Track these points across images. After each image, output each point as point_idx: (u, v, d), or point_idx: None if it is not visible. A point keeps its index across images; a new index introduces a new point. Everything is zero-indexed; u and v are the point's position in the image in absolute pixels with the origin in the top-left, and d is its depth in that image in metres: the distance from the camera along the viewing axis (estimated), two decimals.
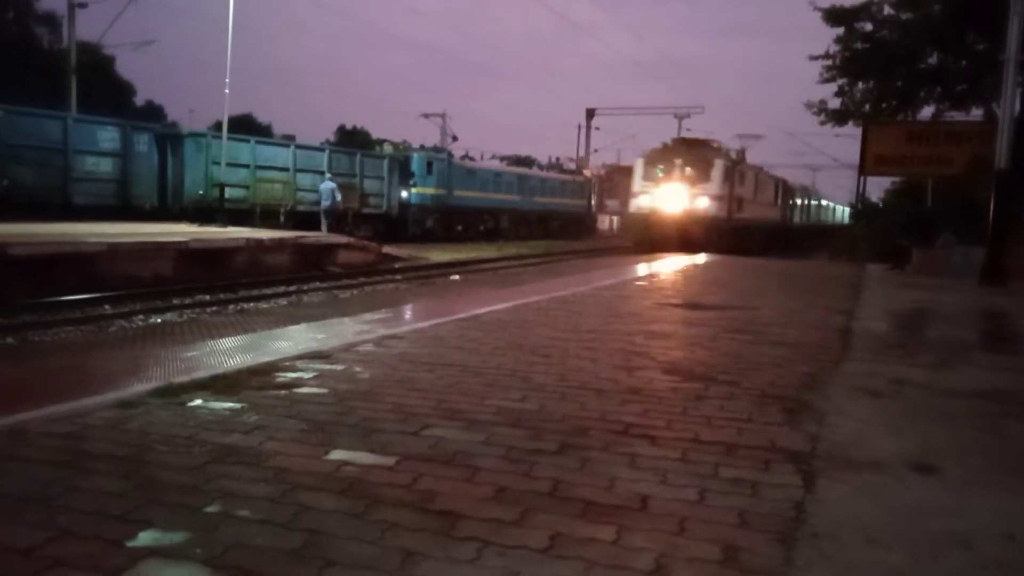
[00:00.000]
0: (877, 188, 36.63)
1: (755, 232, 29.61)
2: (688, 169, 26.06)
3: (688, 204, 25.56)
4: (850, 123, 20.42)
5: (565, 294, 9.27)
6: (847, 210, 60.32)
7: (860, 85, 19.79)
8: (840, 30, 18.90)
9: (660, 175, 26.50)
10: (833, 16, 18.49)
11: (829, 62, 19.27)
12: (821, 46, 19.56)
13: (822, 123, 20.31)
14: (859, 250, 20.35)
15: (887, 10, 18.69)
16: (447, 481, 2.85)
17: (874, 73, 19.10)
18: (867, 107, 19.94)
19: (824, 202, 59.50)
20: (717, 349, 5.87)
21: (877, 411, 4.21)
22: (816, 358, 5.66)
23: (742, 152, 31.65)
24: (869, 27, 18.91)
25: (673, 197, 25.70)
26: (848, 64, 19.13)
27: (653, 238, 24.94)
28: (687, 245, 22.35)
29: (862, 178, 20.57)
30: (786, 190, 37.96)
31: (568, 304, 8.34)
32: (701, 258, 18.19)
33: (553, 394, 4.22)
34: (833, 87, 19.75)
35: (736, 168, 27.86)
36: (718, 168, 26.23)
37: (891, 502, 2.84)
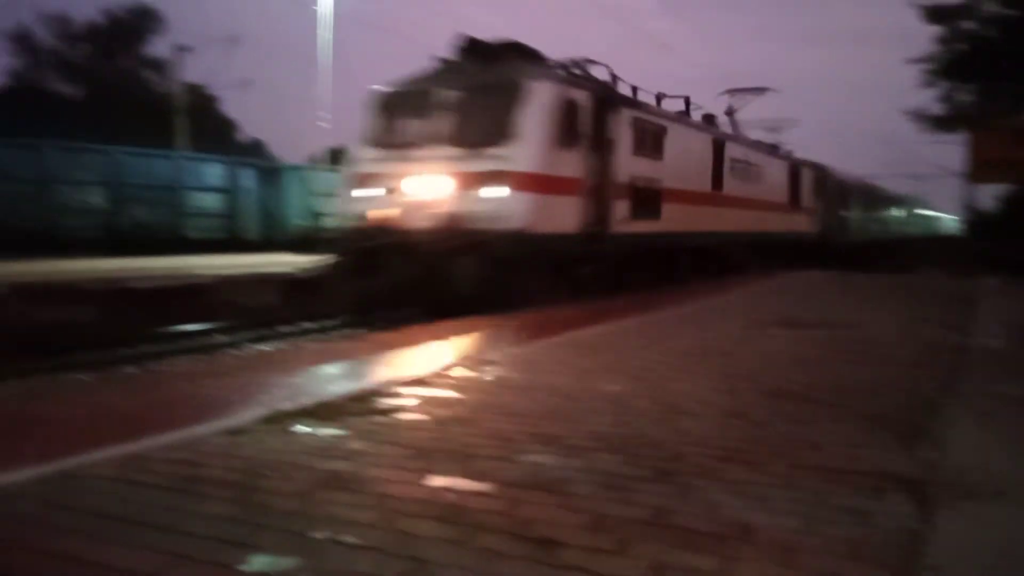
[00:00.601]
0: (989, 196, 34.34)
1: (723, 251, 16.37)
2: (466, 116, 10.72)
3: (458, 202, 10.31)
4: (955, 129, 19.56)
5: (658, 315, 9.14)
6: (953, 220, 57.39)
7: (964, 88, 18.97)
8: (940, 31, 18.18)
9: (406, 137, 11.19)
10: (934, 14, 17.77)
11: (929, 65, 18.54)
12: (912, 50, 18.85)
13: (924, 131, 19.52)
14: (972, 262, 19.36)
15: (992, 7, 17.87)
16: (545, 508, 2.85)
17: (979, 75, 18.25)
18: (973, 111, 19.06)
19: (925, 211, 56.58)
20: (822, 369, 5.67)
21: (997, 435, 3.98)
22: (929, 378, 5.39)
23: (730, 115, 18.69)
24: (972, 26, 18.11)
25: (426, 188, 10.59)
26: (950, 66, 18.34)
27: (379, 288, 10.47)
28: (481, 301, 9.43)
29: (970, 186, 19.59)
30: (822, 183, 23.43)
31: (660, 325, 8.23)
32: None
33: (650, 418, 4.16)
34: (935, 92, 19.00)
35: (613, 108, 11.95)
36: (537, 104, 10.48)
37: (1014, 532, 2.67)
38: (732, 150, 16.72)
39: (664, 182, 13.43)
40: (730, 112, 18.77)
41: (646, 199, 12.86)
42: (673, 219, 13.65)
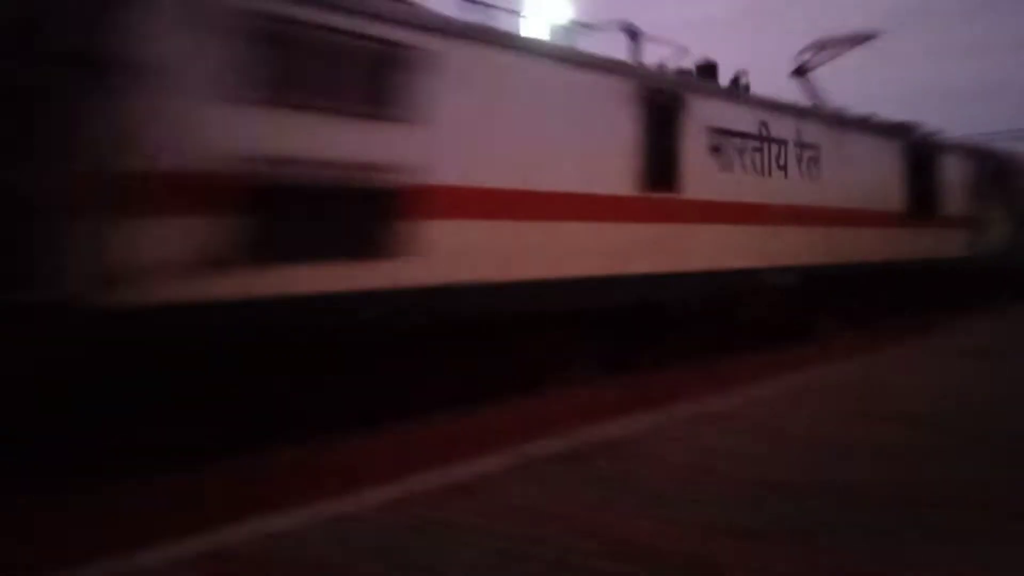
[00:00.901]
0: None
1: (696, 309, 8.47)
2: None
3: None
4: None
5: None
6: None
7: None
8: None
9: None
10: None
11: None
12: None
13: None
14: None
15: None
16: (787, 562, 2.79)
17: None
18: None
19: None
20: None
21: None
22: None
23: (801, 75, 12.02)
24: None
25: None
26: None
27: None
28: None
29: None
30: (999, 180, 14.73)
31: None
32: None
33: (891, 462, 3.93)
34: None
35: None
36: None
37: None
38: (714, 115, 8.76)
39: (422, 171, 5.95)
40: (802, 71, 11.99)
41: (315, 208, 5.40)
42: (468, 254, 6.34)
